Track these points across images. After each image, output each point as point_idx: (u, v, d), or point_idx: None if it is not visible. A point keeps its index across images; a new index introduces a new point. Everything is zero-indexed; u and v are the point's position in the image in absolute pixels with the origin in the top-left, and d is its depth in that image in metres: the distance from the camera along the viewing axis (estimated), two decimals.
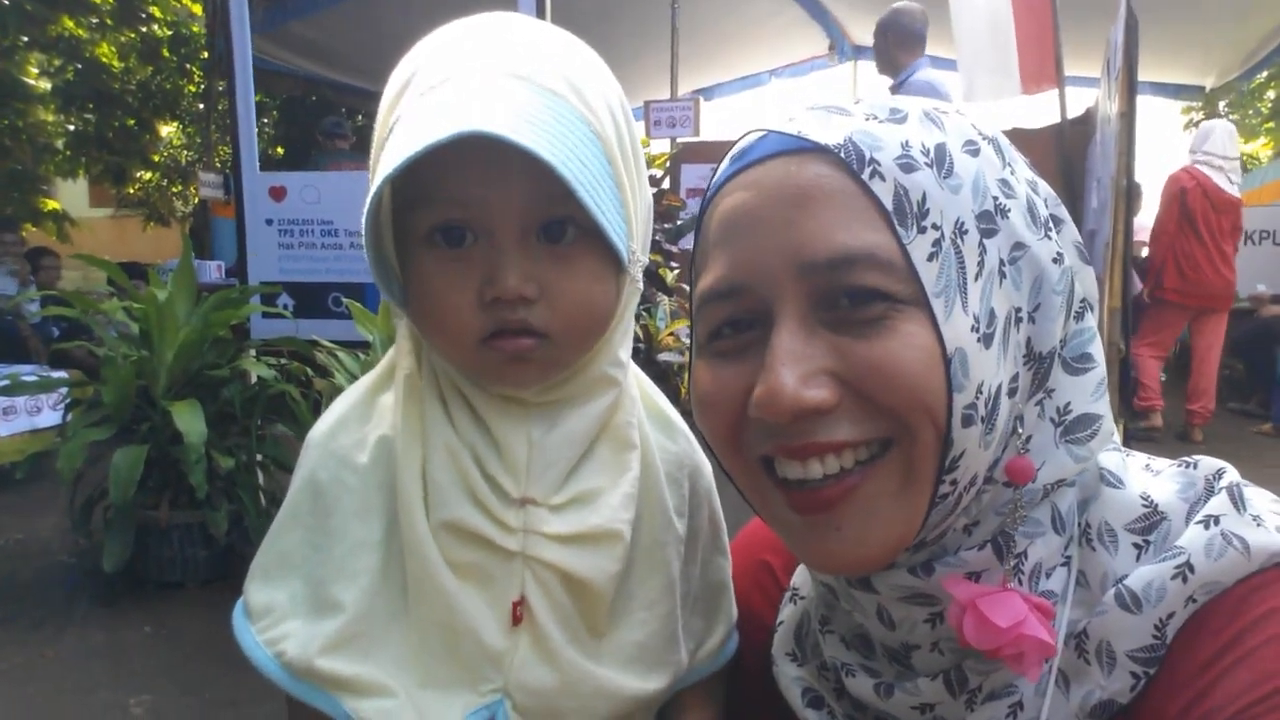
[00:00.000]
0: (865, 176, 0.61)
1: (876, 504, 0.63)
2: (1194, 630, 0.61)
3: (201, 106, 12.85)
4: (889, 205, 0.61)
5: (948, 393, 0.60)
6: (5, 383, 4.56)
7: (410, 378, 0.83)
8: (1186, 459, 0.72)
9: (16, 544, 4.62)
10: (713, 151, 6.81)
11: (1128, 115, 4.41)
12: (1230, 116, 14.12)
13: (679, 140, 7.31)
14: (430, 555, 0.78)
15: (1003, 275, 0.64)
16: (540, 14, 4.11)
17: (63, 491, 3.96)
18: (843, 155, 0.62)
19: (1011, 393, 0.65)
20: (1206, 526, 0.63)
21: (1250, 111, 13.88)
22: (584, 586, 0.81)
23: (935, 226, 0.61)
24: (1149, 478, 0.71)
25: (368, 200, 0.71)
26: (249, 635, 0.80)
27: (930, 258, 0.61)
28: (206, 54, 11.14)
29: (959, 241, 0.62)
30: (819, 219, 0.62)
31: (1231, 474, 0.68)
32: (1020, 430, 0.66)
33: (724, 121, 11.71)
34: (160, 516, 3.82)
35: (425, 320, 0.79)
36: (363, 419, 0.84)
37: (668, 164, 5.33)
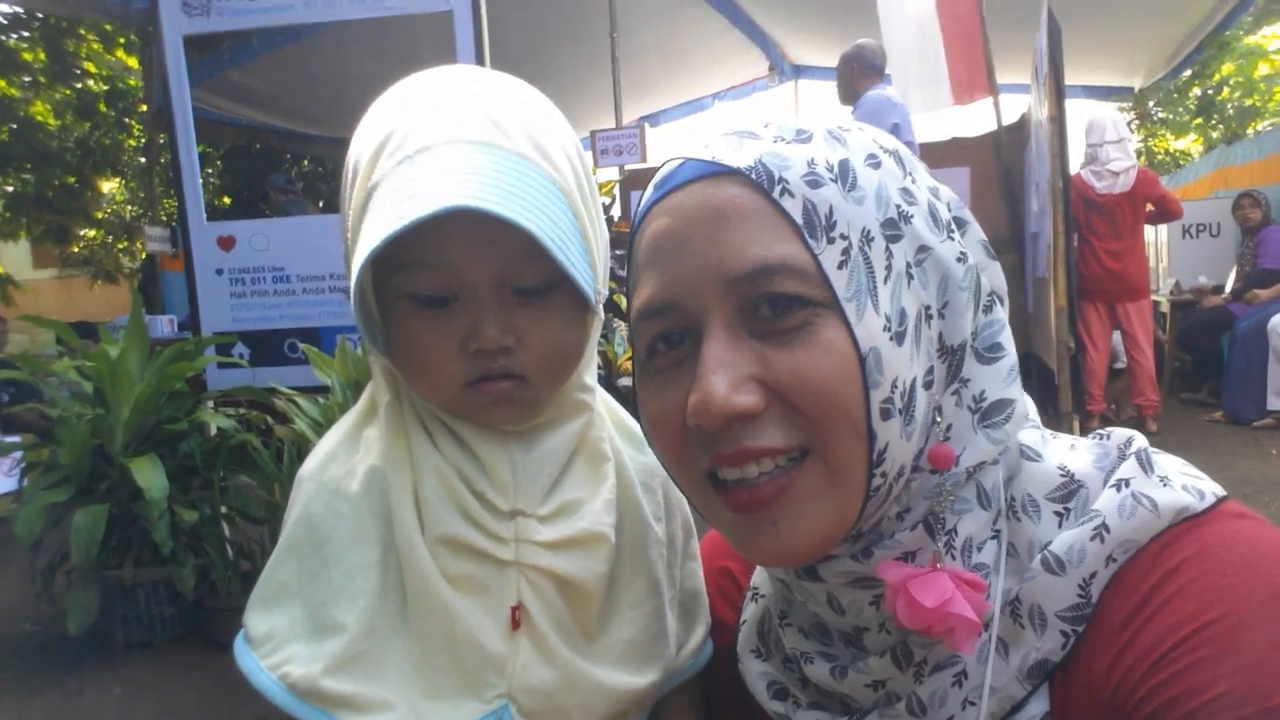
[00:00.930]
0: (776, 194, 0.66)
1: (805, 502, 0.67)
2: (1116, 587, 0.66)
3: (143, 160, 12.71)
4: (799, 219, 0.65)
5: (864, 390, 0.64)
6: None
7: (392, 410, 0.87)
8: (1100, 431, 0.77)
9: None
10: None
11: (1058, 119, 4.55)
12: (1160, 115, 14.54)
13: (626, 167, 7.38)
14: (429, 570, 0.81)
15: (910, 276, 0.68)
16: (479, 48, 4.15)
17: (23, 557, 3.88)
18: (754, 176, 0.66)
19: (928, 385, 0.69)
20: (1118, 489, 0.68)
21: (1180, 109, 14.26)
22: (576, 588, 0.86)
23: (843, 236, 0.66)
24: (1068, 452, 0.76)
25: (355, 268, 0.75)
26: (251, 660, 0.81)
27: (840, 265, 0.65)
28: (145, 107, 11.05)
29: (866, 248, 0.66)
30: (736, 236, 0.66)
31: (1140, 441, 0.73)
32: (940, 420, 0.71)
33: (670, 147, 11.82)
34: (124, 576, 3.76)
35: (409, 368, 0.84)
36: (350, 452, 0.88)
37: (614, 191, 5.38)
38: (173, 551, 3.70)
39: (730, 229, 0.66)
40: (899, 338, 0.66)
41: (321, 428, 3.61)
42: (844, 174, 0.67)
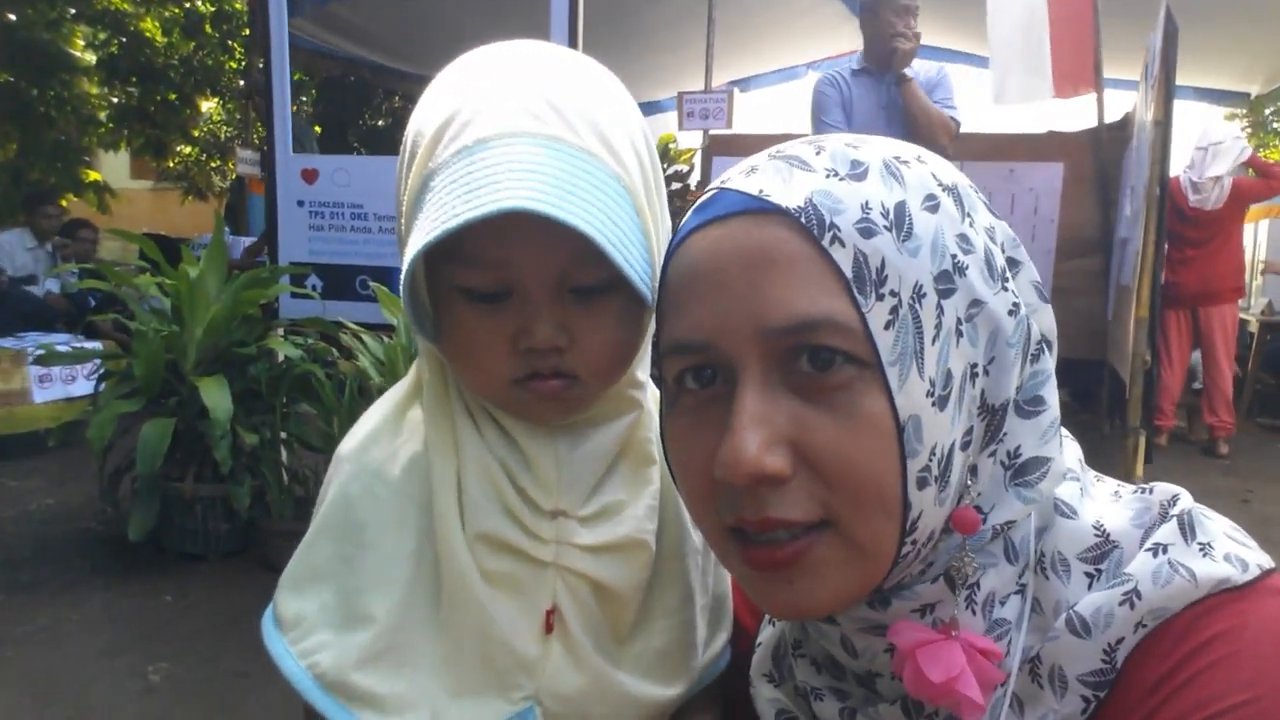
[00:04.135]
0: (826, 243, 0.61)
1: (825, 568, 0.64)
2: (1143, 655, 0.62)
3: (242, 83, 12.99)
4: (848, 273, 0.61)
5: (901, 460, 0.61)
6: (40, 353, 4.68)
7: (437, 394, 0.85)
8: (1144, 485, 0.73)
9: (47, 509, 4.75)
10: (746, 145, 6.70)
11: (1163, 124, 4.36)
12: (1276, 124, 13.87)
13: (710, 133, 7.27)
14: (466, 565, 0.79)
15: (960, 334, 0.64)
16: (574, 7, 4.12)
17: (93, 460, 4.06)
18: (803, 220, 0.61)
19: (965, 445, 0.65)
20: (1155, 555, 0.64)
21: None
22: (613, 595, 0.83)
23: (893, 293, 0.61)
24: (1109, 504, 0.72)
25: (407, 259, 0.72)
26: (279, 644, 0.80)
27: (887, 326, 0.61)
28: (248, 30, 11.25)
29: (917, 306, 0.62)
30: (779, 284, 0.62)
31: (1185, 500, 0.69)
32: (975, 480, 0.67)
33: (759, 114, 11.63)
34: (185, 489, 3.91)
35: (458, 360, 0.81)
36: (394, 434, 0.86)
37: (693, 160, 5.31)
38: (231, 470, 3.84)
39: (773, 276, 0.62)
40: (941, 402, 0.62)
41: (383, 366, 3.69)
42: (899, 221, 0.62)
